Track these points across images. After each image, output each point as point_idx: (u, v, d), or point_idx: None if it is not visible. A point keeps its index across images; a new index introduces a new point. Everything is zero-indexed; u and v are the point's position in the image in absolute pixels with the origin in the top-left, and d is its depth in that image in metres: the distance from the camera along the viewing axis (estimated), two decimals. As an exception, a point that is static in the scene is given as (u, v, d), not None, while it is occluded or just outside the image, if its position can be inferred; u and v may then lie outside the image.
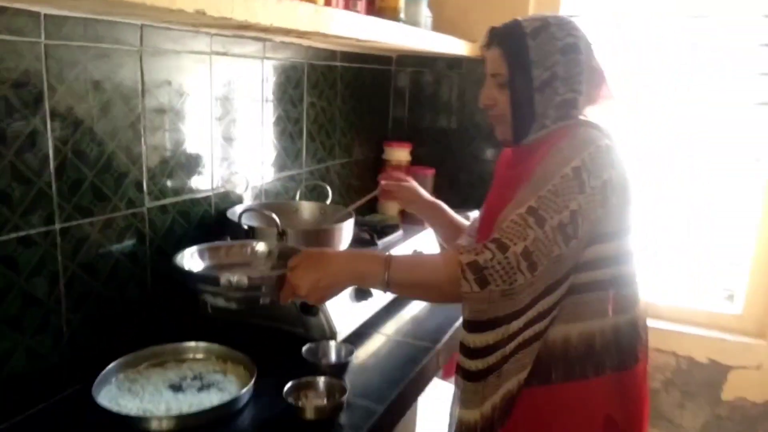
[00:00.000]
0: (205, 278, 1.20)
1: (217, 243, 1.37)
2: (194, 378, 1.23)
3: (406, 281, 1.13)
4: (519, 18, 1.21)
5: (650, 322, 2.15)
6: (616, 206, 1.12)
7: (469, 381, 1.11)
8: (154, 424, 1.06)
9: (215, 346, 1.33)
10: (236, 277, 1.11)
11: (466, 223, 1.58)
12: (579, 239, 1.06)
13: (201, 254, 1.33)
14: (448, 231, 1.57)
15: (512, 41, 1.19)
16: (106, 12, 1.14)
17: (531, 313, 1.08)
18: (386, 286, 1.11)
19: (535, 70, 1.17)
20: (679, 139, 2.15)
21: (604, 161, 1.10)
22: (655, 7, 2.11)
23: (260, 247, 1.36)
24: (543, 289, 1.07)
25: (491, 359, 1.09)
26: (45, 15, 1.07)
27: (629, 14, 2.15)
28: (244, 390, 1.16)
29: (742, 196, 2.12)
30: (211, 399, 1.15)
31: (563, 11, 2.20)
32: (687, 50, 2.09)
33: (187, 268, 1.24)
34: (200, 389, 1.19)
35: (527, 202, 1.07)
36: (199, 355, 1.33)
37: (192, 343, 1.33)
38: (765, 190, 2.06)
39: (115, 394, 1.14)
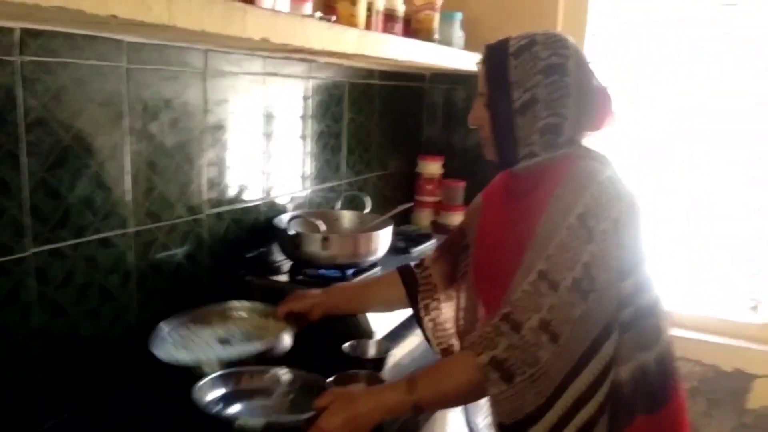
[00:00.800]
0: (217, 419, 1.14)
1: (241, 369, 1.26)
2: (239, 333, 1.36)
3: (435, 401, 1.08)
4: (511, 36, 1.12)
5: (675, 331, 2.25)
6: (631, 239, 1.02)
7: None
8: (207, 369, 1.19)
9: (257, 305, 1.46)
10: (252, 422, 1.08)
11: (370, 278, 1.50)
12: (598, 291, 0.97)
13: (225, 379, 1.24)
14: (375, 292, 1.46)
15: (494, 59, 1.11)
16: (180, 39, 1.28)
17: (578, 387, 0.98)
18: (419, 412, 1.06)
19: (515, 91, 1.08)
20: (703, 149, 2.22)
21: (609, 198, 1.00)
22: (676, 22, 2.20)
23: (284, 375, 1.27)
24: (580, 355, 0.97)
25: None
26: (127, 42, 1.22)
27: (653, 26, 2.23)
28: (286, 334, 1.29)
29: (764, 207, 2.18)
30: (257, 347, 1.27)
31: (590, 28, 2.29)
32: (716, 60, 2.17)
33: (205, 398, 1.18)
34: (245, 341, 1.32)
35: (536, 267, 0.99)
36: (243, 313, 1.45)
37: (236, 302, 1.46)
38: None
39: (170, 350, 1.25)
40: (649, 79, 2.24)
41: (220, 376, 1.23)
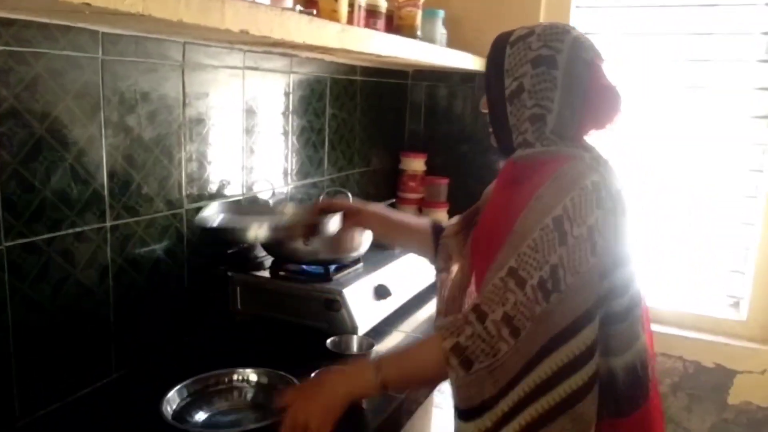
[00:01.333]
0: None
1: (207, 374, 1.29)
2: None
3: (400, 381, 1.11)
4: (522, 26, 1.15)
5: (658, 328, 2.28)
6: (605, 246, 1.02)
7: None
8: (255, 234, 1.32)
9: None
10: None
11: (419, 220, 1.52)
12: (562, 293, 0.98)
13: (193, 384, 1.27)
14: (406, 237, 1.49)
15: (496, 47, 1.15)
16: (157, 31, 1.27)
17: (529, 382, 1.00)
18: (384, 391, 1.08)
19: (507, 78, 1.11)
20: (682, 149, 2.24)
21: (588, 205, 1.00)
22: (658, 25, 2.21)
23: (251, 376, 1.30)
24: (536, 352, 0.99)
25: None
26: (103, 33, 1.20)
27: (635, 32, 2.25)
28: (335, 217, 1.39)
29: (744, 205, 2.20)
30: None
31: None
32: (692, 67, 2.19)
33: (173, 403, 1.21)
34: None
35: (507, 263, 1.01)
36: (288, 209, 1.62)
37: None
38: (766, 198, 2.14)
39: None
40: (631, 80, 2.25)
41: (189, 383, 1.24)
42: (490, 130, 1.19)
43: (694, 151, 2.23)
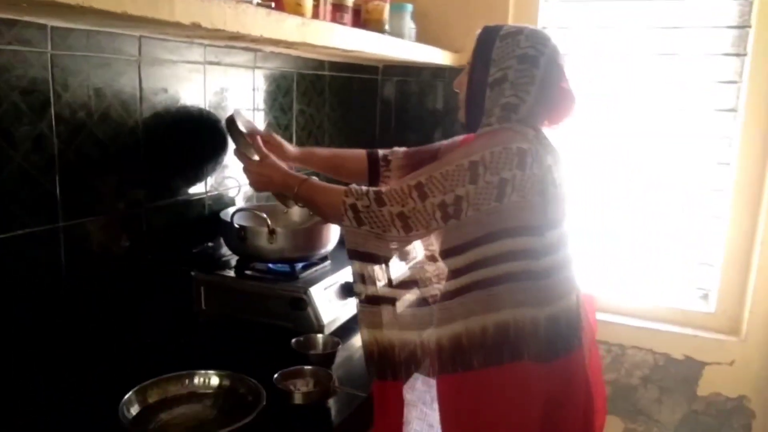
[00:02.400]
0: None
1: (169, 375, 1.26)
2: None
3: (307, 202, 1.38)
4: (507, 24, 1.34)
5: (627, 320, 2.31)
6: (519, 205, 1.19)
7: (363, 303, 1.26)
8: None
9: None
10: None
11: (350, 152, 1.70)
12: (460, 221, 1.19)
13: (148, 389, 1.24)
14: (338, 162, 1.68)
15: (486, 37, 1.29)
16: (108, 24, 1.23)
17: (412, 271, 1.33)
18: (295, 200, 1.40)
19: (492, 67, 1.26)
20: (649, 142, 2.25)
21: (507, 161, 1.17)
22: (626, 19, 2.22)
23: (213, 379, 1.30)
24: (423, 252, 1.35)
25: (375, 289, 1.25)
26: (51, 27, 1.16)
27: (603, 26, 2.25)
28: None
29: (712, 198, 2.22)
30: None
31: (540, 23, 2.30)
32: (655, 59, 2.20)
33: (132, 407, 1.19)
34: None
35: (418, 178, 1.21)
36: None
37: None
38: (733, 191, 2.16)
39: None
40: (597, 75, 2.25)
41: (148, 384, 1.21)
42: (461, 106, 1.35)
43: (662, 145, 2.24)
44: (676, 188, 2.26)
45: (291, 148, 1.62)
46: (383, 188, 1.24)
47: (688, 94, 2.19)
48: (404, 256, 1.42)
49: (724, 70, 2.14)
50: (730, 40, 2.12)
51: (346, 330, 1.58)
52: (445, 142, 1.62)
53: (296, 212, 1.86)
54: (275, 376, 1.27)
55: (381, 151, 1.65)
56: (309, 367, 1.34)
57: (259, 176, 1.45)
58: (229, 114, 1.53)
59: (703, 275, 2.30)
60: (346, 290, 1.63)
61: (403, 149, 1.66)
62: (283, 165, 1.46)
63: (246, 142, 1.49)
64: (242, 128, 1.50)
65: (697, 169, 2.23)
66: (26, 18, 1.11)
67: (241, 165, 1.49)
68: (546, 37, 1.28)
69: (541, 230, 1.22)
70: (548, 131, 1.34)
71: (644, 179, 2.28)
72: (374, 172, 1.63)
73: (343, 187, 1.27)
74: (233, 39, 1.46)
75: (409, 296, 1.35)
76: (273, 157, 1.47)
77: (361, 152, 1.66)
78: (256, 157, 1.47)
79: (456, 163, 1.19)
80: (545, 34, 1.29)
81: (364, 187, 1.26)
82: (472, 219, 1.19)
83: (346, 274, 1.67)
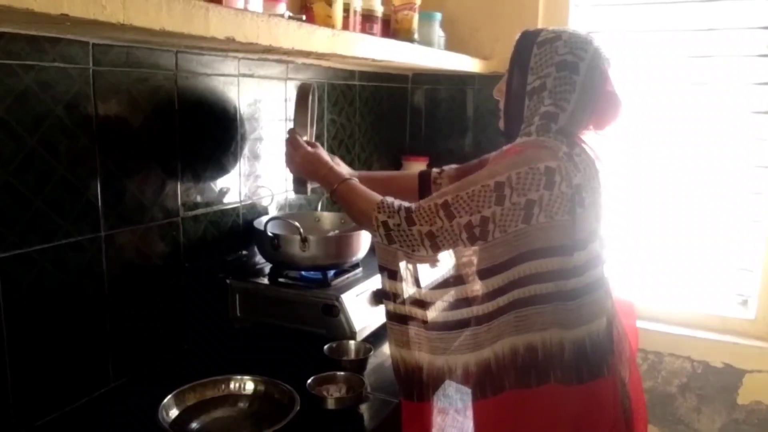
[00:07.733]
0: None
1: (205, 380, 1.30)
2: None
3: (343, 203, 1.38)
4: (548, 27, 1.27)
5: (665, 328, 2.26)
6: (547, 226, 1.15)
7: (390, 320, 1.25)
8: None
9: None
10: None
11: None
12: (487, 242, 1.16)
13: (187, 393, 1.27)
14: (387, 182, 1.65)
15: (523, 44, 1.25)
16: (146, 41, 1.27)
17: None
18: (332, 197, 1.40)
19: (530, 75, 1.23)
20: (686, 146, 2.21)
21: (533, 182, 1.13)
22: (658, 22, 2.20)
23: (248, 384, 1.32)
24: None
25: (403, 307, 1.23)
26: (93, 44, 1.21)
27: (635, 30, 2.23)
28: None
29: (751, 202, 2.17)
30: None
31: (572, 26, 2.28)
32: (688, 61, 2.17)
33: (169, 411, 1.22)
34: None
35: (445, 196, 1.18)
36: None
37: None
38: (773, 196, 2.11)
39: None
40: (632, 79, 2.23)
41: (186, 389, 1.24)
42: (501, 115, 1.32)
43: (700, 148, 2.20)
44: (714, 192, 2.22)
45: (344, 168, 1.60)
46: (413, 205, 1.22)
47: (724, 97, 2.15)
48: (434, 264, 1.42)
49: (761, 72, 2.10)
50: (767, 41, 2.08)
51: (377, 336, 1.59)
52: (494, 153, 1.50)
53: (328, 220, 1.89)
54: (308, 381, 1.29)
55: (434, 169, 1.63)
56: (341, 372, 1.36)
57: (304, 161, 1.44)
58: (304, 85, 1.55)
59: (743, 281, 2.25)
60: (378, 297, 1.65)
61: (455, 165, 1.63)
62: (329, 159, 1.46)
63: (306, 121, 1.50)
64: (310, 108, 1.51)
65: (735, 173, 2.18)
66: (69, 36, 1.16)
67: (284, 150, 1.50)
68: (587, 41, 1.22)
69: (570, 250, 1.18)
70: (594, 136, 1.29)
71: (681, 184, 2.24)
72: (426, 189, 1.60)
73: (377, 198, 1.27)
74: (266, 52, 1.50)
75: (446, 299, 1.28)
76: (322, 149, 1.48)
77: (410, 173, 1.65)
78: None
79: (482, 183, 1.16)
80: (586, 37, 1.23)
81: (396, 202, 1.24)
82: (500, 241, 1.16)
83: (377, 281, 1.68)
